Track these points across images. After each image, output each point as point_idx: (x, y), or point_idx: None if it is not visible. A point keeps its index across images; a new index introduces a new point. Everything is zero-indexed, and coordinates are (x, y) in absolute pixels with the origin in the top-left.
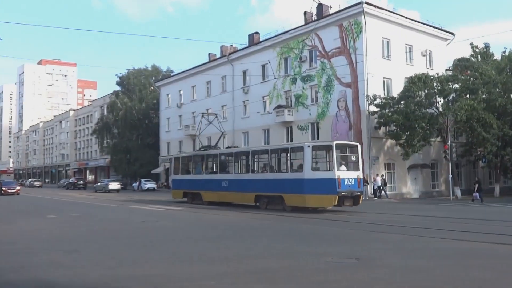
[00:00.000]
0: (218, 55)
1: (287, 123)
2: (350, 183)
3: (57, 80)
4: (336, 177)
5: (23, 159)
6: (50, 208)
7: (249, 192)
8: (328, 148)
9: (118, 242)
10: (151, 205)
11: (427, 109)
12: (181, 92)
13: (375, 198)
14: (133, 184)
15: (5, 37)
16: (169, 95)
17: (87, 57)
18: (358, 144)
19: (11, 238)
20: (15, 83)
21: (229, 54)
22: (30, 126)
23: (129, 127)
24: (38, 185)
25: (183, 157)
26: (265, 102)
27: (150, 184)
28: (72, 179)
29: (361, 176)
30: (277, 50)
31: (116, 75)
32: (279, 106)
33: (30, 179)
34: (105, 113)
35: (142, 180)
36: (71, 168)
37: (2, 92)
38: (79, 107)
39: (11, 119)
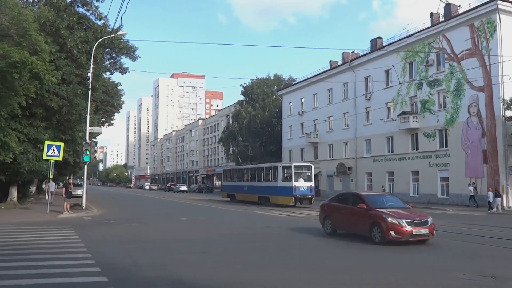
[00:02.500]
0: (339, 62)
1: (412, 130)
2: (303, 190)
3: (187, 92)
4: (293, 186)
5: (158, 165)
6: (182, 212)
7: (255, 194)
8: (289, 167)
9: (243, 246)
10: (274, 211)
11: None
12: (303, 100)
13: (492, 210)
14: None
15: (142, 54)
16: (291, 103)
17: (214, 69)
18: (311, 165)
19: (150, 238)
20: (151, 96)
21: (351, 60)
22: (164, 135)
23: (252, 135)
24: (184, 190)
25: (226, 170)
26: (388, 108)
27: None
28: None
29: (313, 185)
30: (401, 54)
31: (240, 85)
32: (403, 113)
33: (178, 184)
34: (231, 122)
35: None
36: (200, 174)
37: (141, 104)
38: (207, 116)
39: (148, 128)
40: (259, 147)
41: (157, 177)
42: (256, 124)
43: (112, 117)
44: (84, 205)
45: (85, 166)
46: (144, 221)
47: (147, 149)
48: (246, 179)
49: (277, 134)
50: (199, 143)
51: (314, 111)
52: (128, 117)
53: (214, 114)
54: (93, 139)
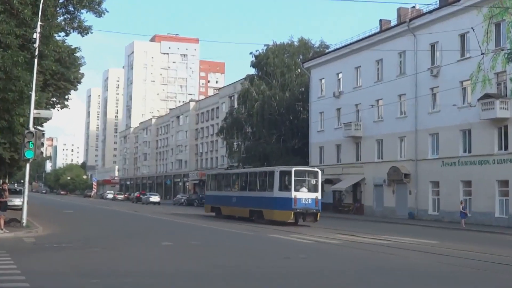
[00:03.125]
0: (393, 22)
1: (499, 121)
2: (306, 202)
3: (174, 62)
4: (293, 197)
5: (131, 165)
6: (164, 232)
7: (245, 208)
8: (289, 173)
9: None
10: (294, 235)
11: None
12: (340, 75)
13: None
14: None
15: (112, 7)
16: (323, 81)
17: (213, 31)
18: (318, 170)
19: (119, 269)
20: (123, 67)
21: (411, 20)
22: (140, 123)
23: (267, 124)
24: (155, 201)
25: (209, 175)
26: (464, 89)
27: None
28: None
29: (319, 197)
30: (484, 11)
31: (250, 53)
32: (487, 96)
33: (148, 193)
34: (236, 105)
35: None
36: (190, 179)
37: (108, 78)
38: (202, 97)
39: (117, 113)
40: (277, 142)
41: (128, 183)
42: (272, 109)
43: (66, 97)
44: (24, 220)
45: (27, 166)
46: (110, 245)
47: (115, 143)
48: (235, 188)
49: (303, 124)
50: (190, 135)
51: (356, 91)
52: (89, 96)
53: (212, 94)
54: (39, 127)
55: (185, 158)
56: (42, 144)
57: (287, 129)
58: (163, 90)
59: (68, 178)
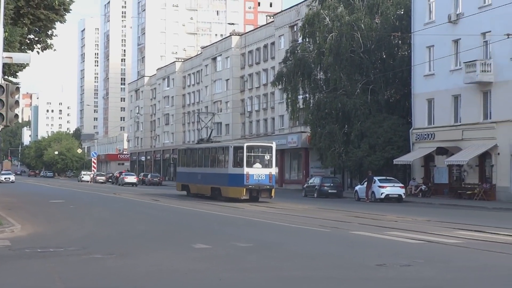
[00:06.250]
0: None
1: None
2: (259, 178)
3: None
4: (245, 173)
5: (147, 133)
6: (199, 229)
7: (207, 185)
8: (241, 148)
9: None
10: (392, 232)
11: None
12: None
13: None
14: (357, 187)
15: None
16: None
17: None
18: (272, 145)
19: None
20: None
21: None
22: (158, 70)
23: (347, 67)
24: (131, 182)
25: (180, 150)
26: None
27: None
28: None
29: (273, 173)
30: None
31: None
32: None
33: (123, 173)
34: (299, 38)
35: (376, 178)
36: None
37: (109, 2)
38: (250, 28)
39: (124, 55)
40: (362, 93)
41: (143, 158)
42: (355, 44)
43: (50, 32)
44: None
45: None
46: (119, 249)
47: (123, 99)
48: (200, 164)
49: (401, 66)
50: (233, 85)
51: (483, 13)
52: (83, 31)
53: (265, 23)
54: (11, 79)
55: (226, 121)
56: (17, 103)
57: (377, 74)
58: (191, 19)
59: (56, 152)
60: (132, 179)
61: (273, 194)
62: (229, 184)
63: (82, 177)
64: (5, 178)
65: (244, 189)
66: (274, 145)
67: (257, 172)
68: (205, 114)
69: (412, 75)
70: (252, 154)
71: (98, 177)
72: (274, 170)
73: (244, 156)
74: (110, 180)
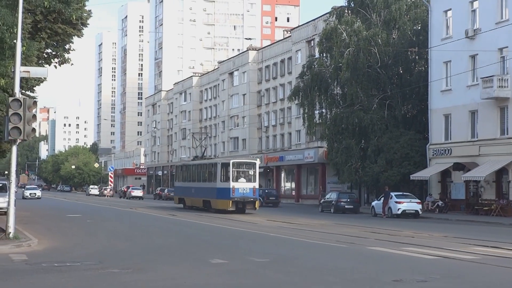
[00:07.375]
0: None
1: None
2: (244, 192)
3: None
4: (231, 187)
5: (164, 147)
6: (213, 243)
7: (199, 198)
8: (227, 165)
9: None
10: (409, 247)
11: None
12: (475, 4)
13: None
14: (374, 202)
15: None
16: (449, 13)
17: None
18: (256, 161)
19: None
20: (148, 0)
21: None
22: (175, 84)
23: (364, 82)
24: (137, 195)
25: (177, 167)
26: None
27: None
28: None
29: (256, 186)
30: None
31: None
32: None
33: (131, 187)
34: (316, 54)
35: (393, 194)
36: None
37: (126, 18)
38: (267, 43)
39: (141, 69)
40: (379, 108)
41: (159, 173)
42: (372, 59)
43: (67, 46)
44: (11, 230)
45: (13, 149)
46: (135, 263)
47: (140, 114)
48: (193, 179)
49: (418, 81)
50: (250, 100)
51: (501, 29)
52: (101, 45)
53: (282, 37)
54: (29, 93)
55: (243, 136)
56: (34, 117)
57: (394, 89)
58: (208, 33)
59: (73, 167)
60: (138, 193)
61: (257, 206)
62: (218, 197)
63: (90, 190)
64: (30, 194)
65: (231, 202)
66: (257, 162)
67: (242, 186)
68: (199, 134)
69: (429, 91)
70: (238, 169)
71: (105, 191)
72: (257, 184)
73: (230, 171)
74: (117, 192)
